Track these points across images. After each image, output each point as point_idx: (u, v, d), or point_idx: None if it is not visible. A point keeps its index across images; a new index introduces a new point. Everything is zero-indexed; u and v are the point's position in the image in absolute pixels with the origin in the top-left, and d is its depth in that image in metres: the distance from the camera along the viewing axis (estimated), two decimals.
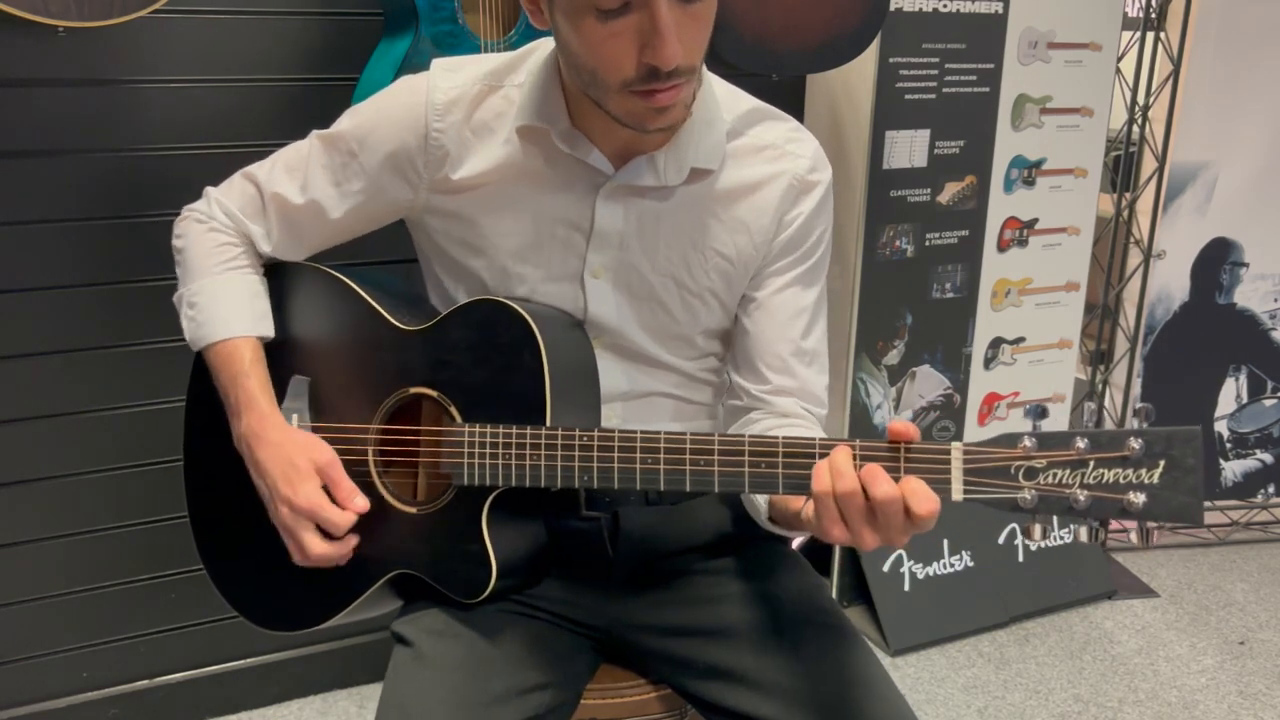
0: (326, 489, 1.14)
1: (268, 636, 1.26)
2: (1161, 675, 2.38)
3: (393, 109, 1.18)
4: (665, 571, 1.25)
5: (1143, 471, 0.86)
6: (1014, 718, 2.23)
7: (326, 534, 1.14)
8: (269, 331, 1.22)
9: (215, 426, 1.23)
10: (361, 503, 1.14)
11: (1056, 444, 0.88)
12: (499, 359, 1.11)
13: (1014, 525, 2.60)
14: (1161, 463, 0.85)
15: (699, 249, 1.18)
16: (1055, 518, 0.90)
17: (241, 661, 2.14)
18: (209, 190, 1.27)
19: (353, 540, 1.15)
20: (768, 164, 1.19)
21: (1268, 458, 2.98)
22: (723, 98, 1.18)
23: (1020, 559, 2.61)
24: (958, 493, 0.92)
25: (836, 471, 0.92)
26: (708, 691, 1.18)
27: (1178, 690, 2.33)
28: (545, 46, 1.17)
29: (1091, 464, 0.87)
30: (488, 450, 1.09)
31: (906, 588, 2.48)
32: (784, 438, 0.99)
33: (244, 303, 1.21)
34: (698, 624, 1.21)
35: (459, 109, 1.16)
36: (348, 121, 1.21)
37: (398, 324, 1.18)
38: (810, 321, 1.23)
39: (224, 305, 1.21)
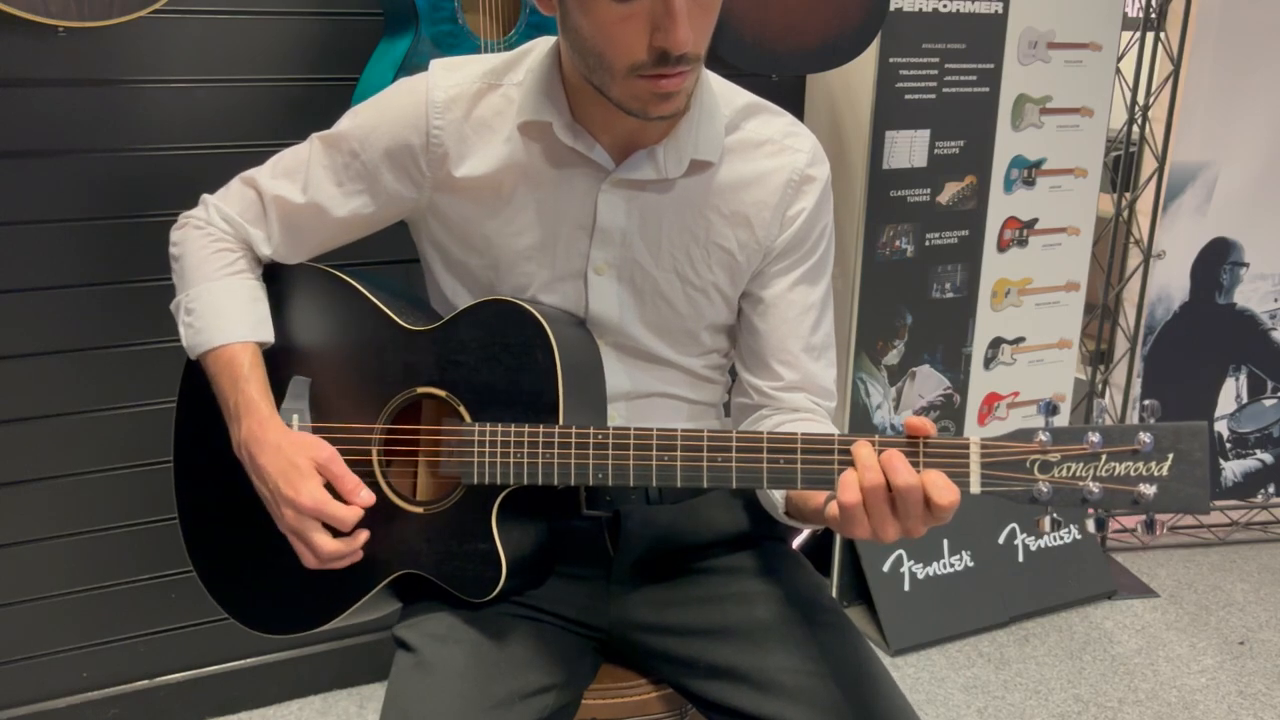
0: (331, 489, 1.13)
1: (268, 637, 1.26)
2: (1161, 675, 2.38)
3: (393, 108, 1.18)
4: (666, 570, 1.25)
5: (1153, 464, 0.90)
6: (1014, 718, 2.23)
7: (336, 532, 1.13)
8: (268, 337, 1.21)
9: (206, 433, 1.23)
10: (367, 496, 1.13)
11: (1070, 439, 0.92)
12: (509, 359, 1.11)
13: (1014, 525, 2.60)
14: (1170, 456, 0.90)
15: (701, 243, 1.19)
16: (1067, 510, 0.94)
17: (241, 661, 2.13)
18: (206, 197, 1.27)
19: (363, 535, 1.14)
20: (767, 158, 1.19)
21: (1268, 458, 2.98)
22: (719, 91, 1.19)
23: (1020, 559, 2.61)
24: (976, 485, 0.94)
25: (864, 466, 0.94)
26: (709, 691, 1.18)
27: (1178, 690, 2.33)
28: (543, 45, 1.17)
29: (1103, 458, 0.91)
30: (499, 449, 1.09)
31: (906, 588, 2.48)
32: (803, 434, 1.00)
33: (243, 308, 1.20)
34: (699, 623, 1.21)
35: (458, 107, 1.16)
36: (348, 123, 1.20)
37: (403, 324, 1.18)
38: (818, 317, 1.24)
39: (223, 311, 1.20)
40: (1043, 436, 0.92)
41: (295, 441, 1.13)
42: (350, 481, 1.13)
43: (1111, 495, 0.91)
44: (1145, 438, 0.89)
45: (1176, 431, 0.89)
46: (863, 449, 0.95)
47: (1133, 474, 0.90)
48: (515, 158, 1.16)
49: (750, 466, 1.01)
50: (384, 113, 1.18)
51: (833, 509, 0.98)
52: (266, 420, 1.14)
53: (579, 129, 1.14)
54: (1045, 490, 0.92)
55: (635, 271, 1.19)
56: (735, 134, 1.19)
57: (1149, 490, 0.89)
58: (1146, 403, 0.93)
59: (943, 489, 0.92)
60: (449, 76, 1.17)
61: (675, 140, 1.14)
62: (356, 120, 1.20)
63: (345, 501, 1.12)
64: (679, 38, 0.99)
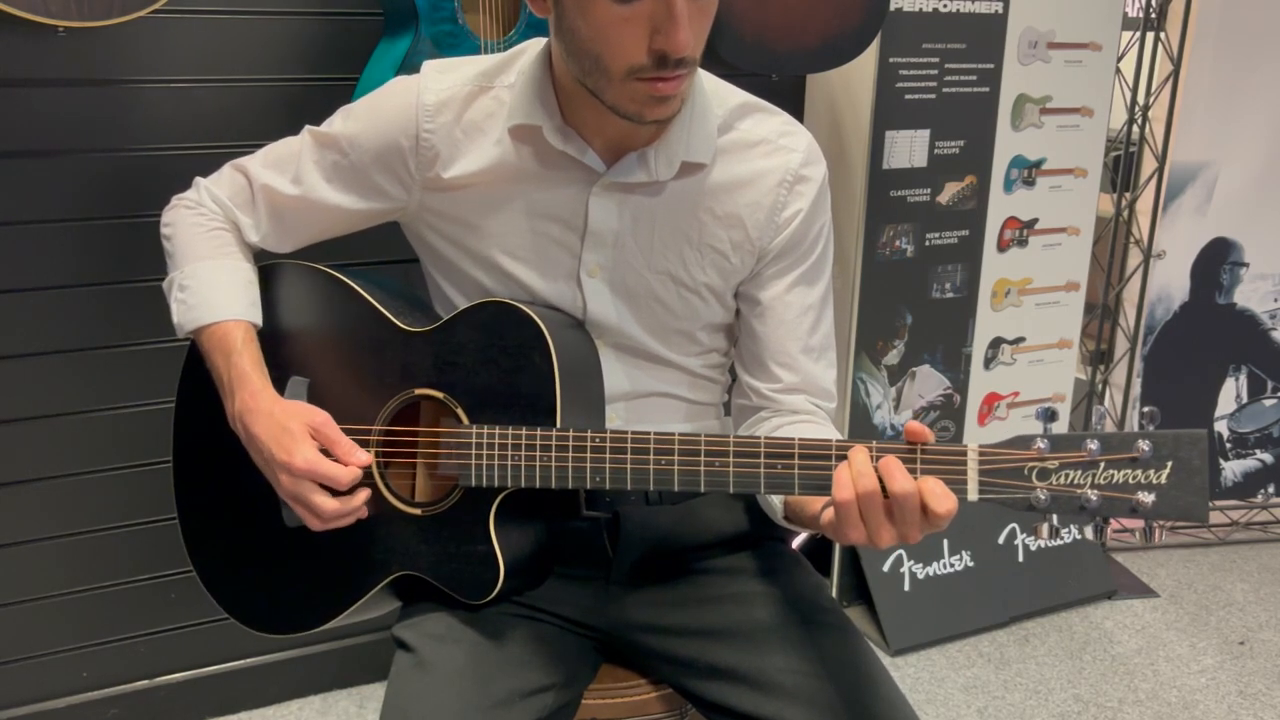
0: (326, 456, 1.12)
1: (267, 637, 1.26)
2: (1161, 675, 2.38)
3: (385, 110, 1.18)
4: (666, 571, 1.25)
5: (1151, 472, 0.89)
6: (1014, 718, 2.23)
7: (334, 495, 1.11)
8: (259, 321, 1.22)
9: (206, 431, 1.23)
10: (363, 457, 1.12)
11: (1068, 446, 0.91)
12: (507, 360, 1.11)
13: (1014, 525, 2.60)
14: (1169, 464, 0.89)
15: (694, 245, 1.18)
16: (1064, 517, 0.93)
17: (241, 661, 2.13)
18: (199, 180, 1.28)
19: (363, 494, 1.13)
20: (761, 159, 1.19)
21: (1268, 458, 2.98)
22: (712, 92, 1.18)
23: (1020, 559, 2.61)
24: (973, 493, 0.94)
25: (858, 471, 0.93)
26: (709, 691, 1.18)
27: (1178, 690, 2.33)
28: (534, 47, 1.17)
29: (1102, 465, 0.90)
30: (496, 451, 1.09)
31: (906, 588, 2.48)
32: (800, 439, 1.00)
33: (237, 289, 1.21)
34: (698, 624, 1.21)
35: (449, 110, 1.16)
36: (340, 122, 1.21)
37: (401, 325, 1.18)
38: (817, 318, 1.24)
39: (217, 289, 1.20)
40: (1041, 444, 0.92)
41: (288, 408, 1.13)
42: (345, 445, 1.12)
43: (1110, 503, 0.90)
44: (1144, 445, 0.89)
45: (1176, 439, 0.88)
46: (859, 454, 0.95)
47: (1131, 481, 0.90)
48: (506, 160, 1.16)
49: (748, 471, 1.01)
50: (375, 114, 1.19)
51: (828, 515, 0.98)
52: (259, 391, 1.14)
53: (569, 132, 1.13)
54: (1043, 498, 0.92)
55: (628, 274, 1.19)
56: (729, 134, 1.18)
57: (1147, 498, 0.89)
58: (1146, 410, 0.92)
59: (940, 496, 0.91)
60: (440, 79, 1.17)
61: (666, 143, 1.14)
62: (348, 120, 1.20)
63: (342, 464, 1.11)
64: (680, 40, 0.99)
